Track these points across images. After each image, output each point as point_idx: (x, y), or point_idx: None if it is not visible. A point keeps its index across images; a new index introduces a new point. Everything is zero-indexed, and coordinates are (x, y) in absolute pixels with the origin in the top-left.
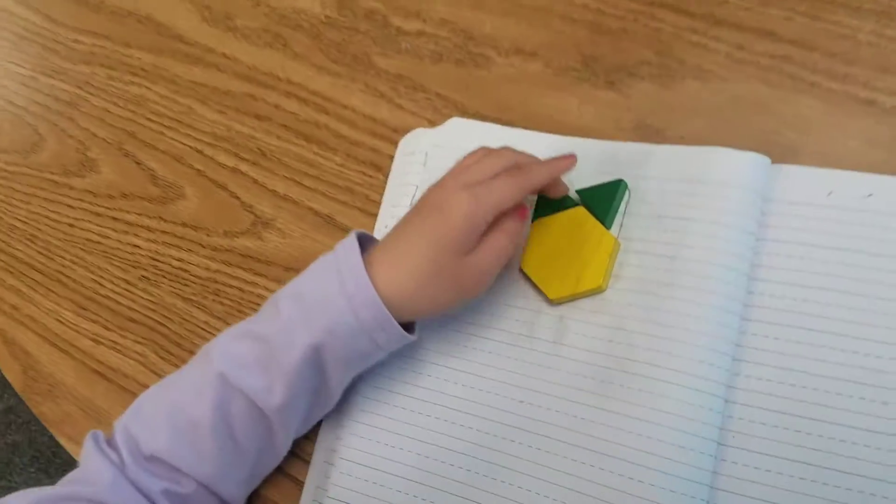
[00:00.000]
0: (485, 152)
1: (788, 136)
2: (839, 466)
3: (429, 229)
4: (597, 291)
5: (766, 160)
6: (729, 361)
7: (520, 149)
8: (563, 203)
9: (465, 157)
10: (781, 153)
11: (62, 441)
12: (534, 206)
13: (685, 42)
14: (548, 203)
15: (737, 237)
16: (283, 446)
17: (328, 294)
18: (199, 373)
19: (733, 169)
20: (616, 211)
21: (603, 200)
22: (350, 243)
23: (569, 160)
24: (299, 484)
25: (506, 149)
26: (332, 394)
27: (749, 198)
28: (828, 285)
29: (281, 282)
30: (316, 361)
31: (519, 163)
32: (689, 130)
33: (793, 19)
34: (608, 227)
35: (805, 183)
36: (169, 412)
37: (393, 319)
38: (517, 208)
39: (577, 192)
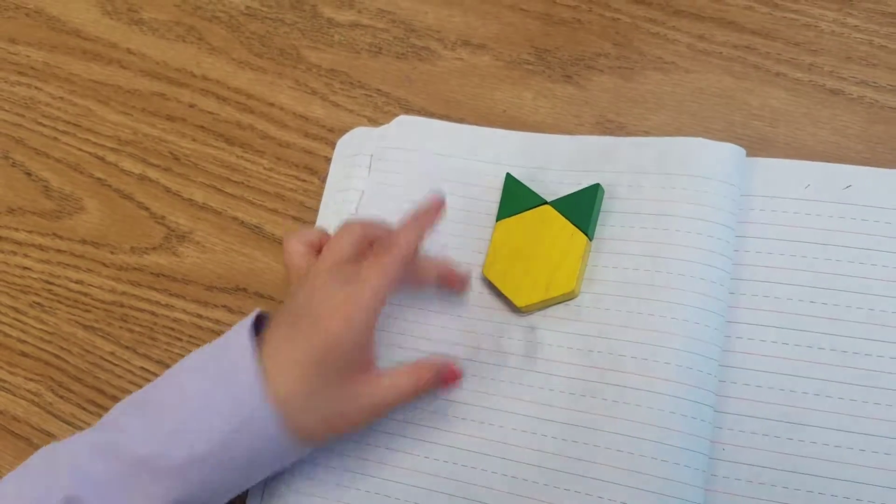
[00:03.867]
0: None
1: (757, 128)
2: (834, 474)
3: (310, 343)
4: (570, 297)
5: (742, 151)
6: (716, 367)
7: (483, 150)
8: (528, 201)
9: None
10: (751, 146)
11: None
12: (498, 206)
13: (644, 33)
14: (512, 201)
15: (719, 234)
16: None
17: (211, 402)
18: (41, 487)
19: (710, 161)
20: (596, 219)
21: (580, 209)
22: (243, 343)
23: (435, 211)
24: None
25: (356, 224)
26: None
27: (728, 191)
28: (811, 282)
29: (201, 303)
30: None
31: (377, 236)
32: (653, 125)
33: (753, 9)
34: (590, 237)
35: (781, 176)
36: None
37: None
38: (450, 374)
39: (551, 203)
